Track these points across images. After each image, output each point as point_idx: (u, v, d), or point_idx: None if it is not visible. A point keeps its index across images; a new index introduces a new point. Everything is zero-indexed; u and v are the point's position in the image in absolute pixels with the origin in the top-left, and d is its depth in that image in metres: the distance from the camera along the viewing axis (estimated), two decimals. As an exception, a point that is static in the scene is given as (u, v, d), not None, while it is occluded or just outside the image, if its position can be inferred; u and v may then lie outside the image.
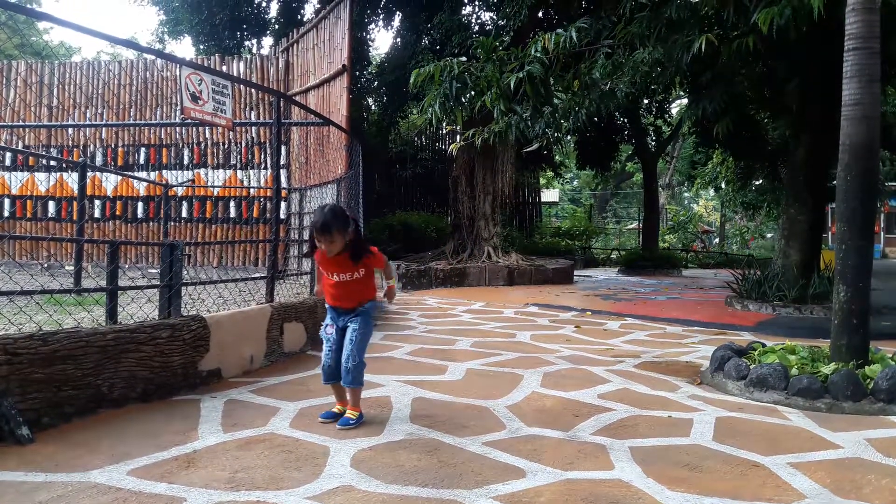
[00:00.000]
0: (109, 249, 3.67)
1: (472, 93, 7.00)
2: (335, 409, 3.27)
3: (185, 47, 25.39)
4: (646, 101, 17.61)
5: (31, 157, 12.78)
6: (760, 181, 19.24)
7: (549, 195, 31.52)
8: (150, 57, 13.91)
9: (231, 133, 12.38)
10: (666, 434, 3.17)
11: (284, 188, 12.32)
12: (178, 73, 3.78)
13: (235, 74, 12.09)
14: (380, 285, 3.60)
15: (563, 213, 36.57)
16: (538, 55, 6.43)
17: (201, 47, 16.44)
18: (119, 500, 2.21)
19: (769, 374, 3.88)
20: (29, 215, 12.98)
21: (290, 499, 2.26)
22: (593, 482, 2.51)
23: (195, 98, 3.89)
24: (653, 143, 20.30)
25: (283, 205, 12.35)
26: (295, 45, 12.18)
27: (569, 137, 14.53)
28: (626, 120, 18.48)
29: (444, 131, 18.20)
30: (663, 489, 2.45)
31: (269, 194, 12.42)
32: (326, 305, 3.30)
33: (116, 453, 2.66)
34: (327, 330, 3.25)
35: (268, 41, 17.31)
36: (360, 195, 8.15)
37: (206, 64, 12.40)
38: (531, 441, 3.00)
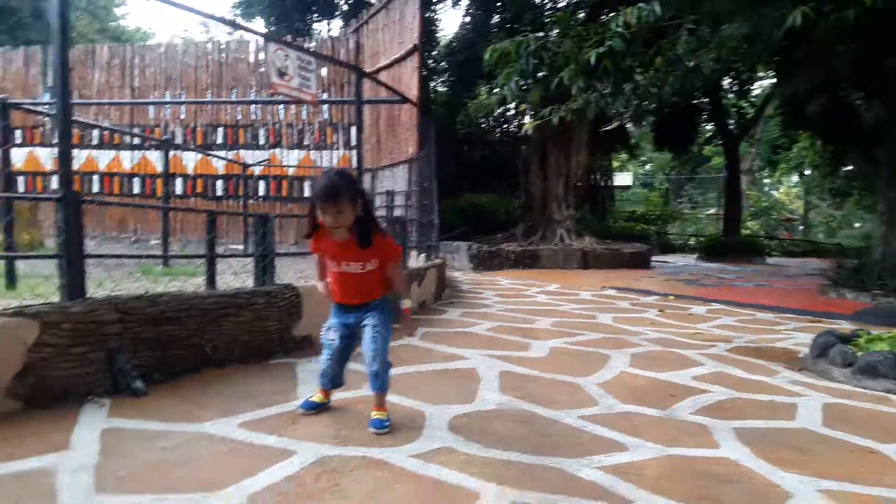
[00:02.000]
0: (209, 219, 3.80)
1: (549, 70, 6.90)
2: (315, 399, 2.84)
3: (259, 24, 25.97)
4: (728, 81, 16.95)
5: (116, 136, 13.35)
6: (851, 167, 18.28)
7: (622, 178, 30.89)
8: (224, 39, 14.27)
9: (305, 114, 12.62)
10: (770, 417, 3.06)
11: (356, 169, 12.51)
12: (266, 49, 3.85)
13: (311, 56, 12.30)
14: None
15: (635, 197, 35.80)
16: (619, 30, 6.27)
17: (272, 29, 16.77)
18: (233, 450, 2.30)
19: (880, 361, 3.70)
20: (116, 191, 13.59)
21: (395, 456, 2.29)
22: (699, 460, 2.45)
23: (282, 74, 3.97)
24: (735, 126, 19.55)
25: (355, 185, 12.56)
26: (365, 25, 12.25)
27: (648, 117, 14.17)
28: (706, 100, 17.84)
29: (513, 112, 18.02)
30: (775, 470, 2.37)
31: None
32: (331, 304, 2.80)
33: (224, 408, 2.76)
34: (329, 335, 2.75)
35: (337, 23, 17.55)
36: (433, 176, 8.15)
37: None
38: (628, 417, 2.96)
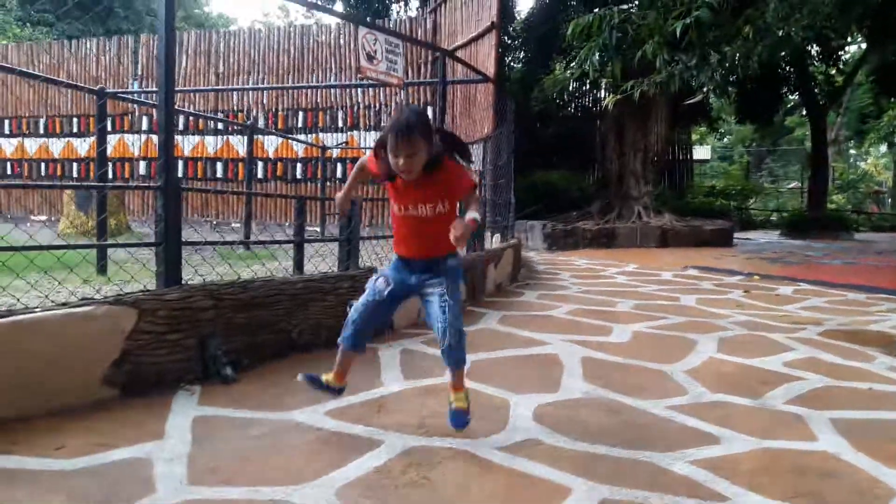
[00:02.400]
0: (297, 205, 3.88)
1: (632, 43, 6.67)
2: (325, 379, 2.53)
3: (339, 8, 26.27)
4: (816, 48, 15.96)
5: (200, 122, 13.85)
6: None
7: (700, 152, 29.76)
8: (305, 23, 14.48)
9: (382, 96, 12.71)
10: (869, 407, 2.89)
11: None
12: (356, 33, 3.86)
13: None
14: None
15: (713, 171, 34.43)
16: (707, 0, 5.99)
17: (351, 12, 16.89)
18: (321, 439, 2.36)
19: None
20: (200, 176, 14.13)
21: (482, 448, 2.29)
22: (796, 453, 2.34)
23: (370, 57, 3.98)
24: (821, 95, 18.43)
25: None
26: (442, 5, 12.18)
27: (731, 89, 13.52)
28: (791, 69, 16.86)
29: (587, 87, 17.56)
30: (878, 465, 2.24)
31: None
32: (393, 257, 2.47)
33: (311, 396, 2.81)
34: (380, 283, 2.39)
35: (413, 4, 17.50)
36: (511, 155, 8.06)
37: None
38: (718, 407, 2.85)
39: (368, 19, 13.19)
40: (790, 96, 20.34)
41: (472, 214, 2.26)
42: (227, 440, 2.32)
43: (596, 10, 6.66)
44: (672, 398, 2.96)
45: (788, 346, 4.02)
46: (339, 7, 16.29)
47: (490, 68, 9.19)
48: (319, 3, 14.88)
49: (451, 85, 10.41)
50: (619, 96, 7.20)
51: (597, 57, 6.48)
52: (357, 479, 2.03)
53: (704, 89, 7.35)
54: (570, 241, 11.15)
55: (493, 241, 6.79)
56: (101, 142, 6.16)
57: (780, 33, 6.83)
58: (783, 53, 6.77)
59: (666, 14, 6.23)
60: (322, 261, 4.65)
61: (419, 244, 2.34)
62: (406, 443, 2.31)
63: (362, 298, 2.41)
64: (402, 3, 17.41)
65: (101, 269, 5.78)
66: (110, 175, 12.97)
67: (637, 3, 7.05)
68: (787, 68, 16.77)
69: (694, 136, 23.39)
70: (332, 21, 13.72)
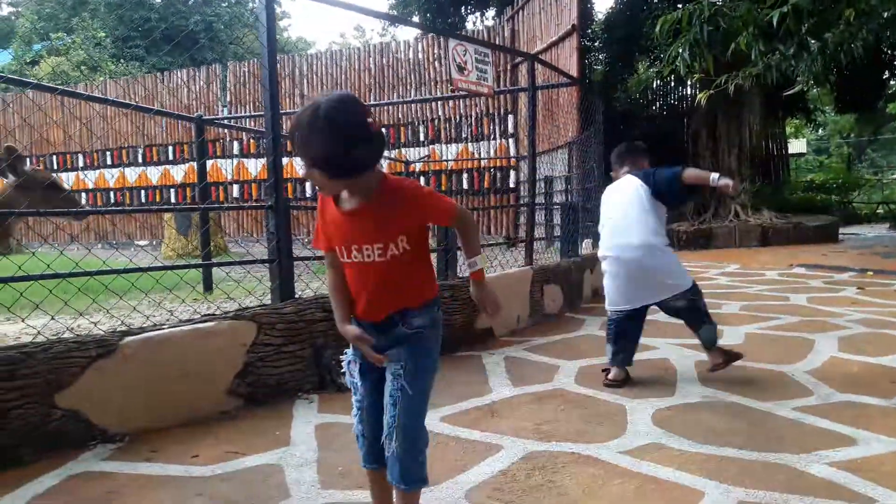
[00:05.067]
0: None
1: (724, 36, 6.45)
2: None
3: (411, 28, 26.81)
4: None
5: (288, 143, 14.36)
6: None
7: (795, 146, 28.31)
8: (381, 41, 14.81)
9: (462, 107, 12.81)
10: None
11: (513, 157, 12.52)
12: (447, 45, 3.92)
13: (464, 48, 12.43)
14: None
15: (809, 165, 32.64)
16: (805, -15, 5.70)
17: (427, 24, 17.15)
18: (442, 444, 2.38)
19: None
20: (290, 195, 14.63)
21: (603, 452, 2.25)
22: (947, 457, 2.18)
23: (461, 69, 4.02)
24: (932, 76, 17.15)
25: (511, 174, 12.59)
26: (520, 12, 12.17)
27: (831, 77, 12.81)
28: (894, 52, 15.76)
29: (672, 84, 17.05)
30: None
31: (499, 164, 12.67)
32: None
33: (424, 401, 2.86)
34: (350, 368, 1.69)
35: (489, 13, 17.58)
36: (601, 157, 7.92)
37: (436, 40, 12.93)
38: (849, 408, 2.69)
39: (442, 30, 13.36)
40: (893, 82, 19.05)
41: (473, 262, 1.62)
42: (351, 446, 2.37)
43: (680, 5, 6.48)
44: (798, 399, 2.82)
45: (918, 344, 3.75)
46: (415, 21, 16.55)
47: (572, 71, 9.11)
48: (396, 16, 15.18)
49: (522, 90, 10.39)
50: (711, 91, 6.95)
51: (687, 53, 6.29)
52: (483, 482, 2.04)
53: (803, 79, 6.99)
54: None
55: (582, 246, 6.68)
56: (202, 167, 6.52)
57: (886, 15, 6.43)
58: (892, 37, 6.32)
59: (759, 4, 5.98)
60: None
61: (369, 300, 1.57)
62: (526, 447, 2.31)
63: (353, 402, 1.71)
64: (477, 14, 17.52)
65: (208, 287, 6.11)
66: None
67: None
68: (890, 52, 15.70)
69: (788, 129, 22.27)
70: (409, 36, 13.97)
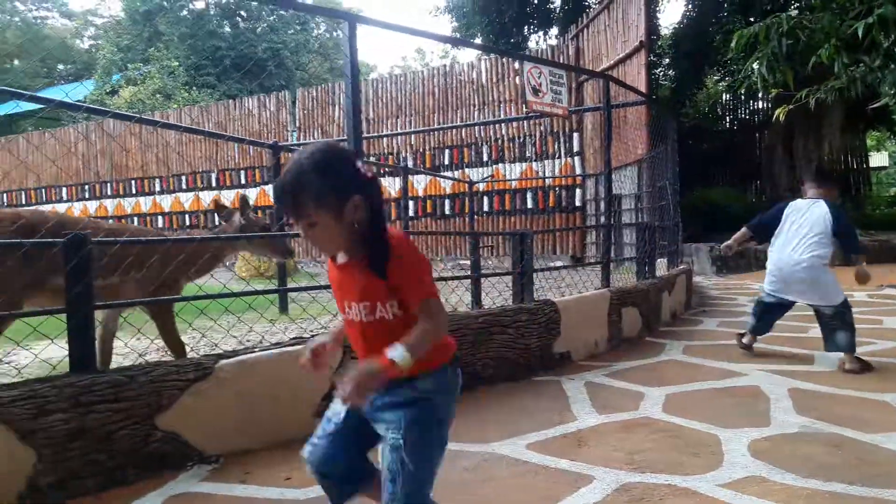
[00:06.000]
0: (472, 241, 3.96)
1: (804, 49, 6.22)
2: None
3: (472, 49, 27.01)
4: None
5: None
6: None
7: (877, 159, 27.02)
8: (445, 63, 14.97)
9: (526, 126, 12.79)
10: None
11: (579, 175, 12.40)
12: (520, 69, 3.92)
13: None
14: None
15: (891, 178, 31.07)
16: (894, -6, 5.45)
17: (490, 45, 17.22)
18: (531, 472, 2.34)
19: None
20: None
21: (702, 485, 2.17)
22: None
23: (536, 91, 4.02)
24: None
25: (577, 192, 12.45)
26: (584, 30, 12.12)
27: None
28: None
29: (742, 98, 16.59)
30: None
31: (563, 183, 12.56)
32: None
33: (508, 428, 2.82)
34: (333, 408, 1.57)
35: (552, 32, 17.55)
36: (675, 175, 7.75)
37: (499, 61, 12.99)
38: (967, 443, 2.52)
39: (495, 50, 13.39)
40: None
41: (396, 349, 1.32)
42: (441, 470, 2.36)
43: (752, 18, 6.30)
44: (906, 432, 2.65)
45: None
46: (477, 42, 16.66)
47: (640, 88, 8.98)
48: (466, 40, 15.34)
49: (596, 109, 10.28)
50: (790, 106, 6.71)
51: (765, 67, 6.09)
52: (578, 514, 1.99)
53: (889, 92, 6.67)
54: (742, 262, 10.42)
55: (662, 268, 6.52)
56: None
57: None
58: None
59: (843, 15, 5.76)
60: (485, 295, 4.72)
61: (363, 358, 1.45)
62: (619, 478, 2.24)
63: (319, 430, 1.57)
64: (540, 33, 17.50)
65: (283, 308, 6.26)
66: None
67: (804, 6, 6.57)
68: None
69: (869, 142, 21.29)
70: (470, 57, 14.08)
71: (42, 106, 4.86)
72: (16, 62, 28.25)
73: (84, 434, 2.27)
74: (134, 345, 3.52)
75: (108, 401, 2.33)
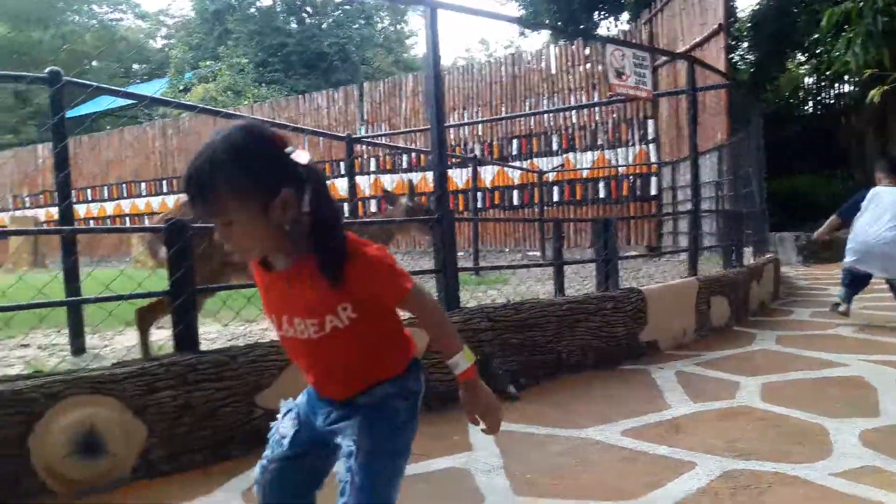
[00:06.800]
0: (555, 230, 3.94)
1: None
2: None
3: (542, 36, 26.60)
4: None
5: (422, 158, 14.68)
6: None
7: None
8: (506, 53, 14.85)
9: (597, 113, 12.55)
10: None
11: (654, 163, 12.07)
12: (603, 51, 3.85)
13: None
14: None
15: None
16: None
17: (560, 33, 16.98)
18: (628, 458, 2.31)
19: None
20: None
21: (812, 473, 2.09)
22: None
23: (619, 74, 3.94)
24: None
25: (653, 180, 12.14)
26: (659, 14, 11.77)
27: None
28: None
29: (826, 82, 15.79)
30: None
31: (638, 171, 12.27)
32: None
33: (598, 415, 2.79)
34: (281, 427, 1.36)
35: (623, 17, 17.16)
36: (762, 162, 7.44)
37: (569, 48, 12.80)
38: None
39: (581, 39, 13.15)
40: None
41: (455, 363, 1.30)
42: (533, 455, 2.37)
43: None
44: None
45: None
46: (545, 32, 16.45)
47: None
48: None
49: (681, 92, 9.98)
50: (886, 87, 6.35)
51: (858, 47, 5.79)
52: (683, 499, 1.95)
53: None
54: (829, 252, 9.93)
55: (749, 257, 6.30)
56: (351, 180, 6.92)
57: None
58: None
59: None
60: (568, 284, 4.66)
61: (327, 376, 1.29)
62: (723, 465, 2.18)
63: (260, 460, 1.38)
64: (611, 18, 17.13)
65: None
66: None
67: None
68: None
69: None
70: (537, 46, 13.91)
71: (128, 102, 5.15)
72: (94, 63, 29.64)
73: (190, 410, 2.37)
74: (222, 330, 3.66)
75: (211, 379, 2.42)
